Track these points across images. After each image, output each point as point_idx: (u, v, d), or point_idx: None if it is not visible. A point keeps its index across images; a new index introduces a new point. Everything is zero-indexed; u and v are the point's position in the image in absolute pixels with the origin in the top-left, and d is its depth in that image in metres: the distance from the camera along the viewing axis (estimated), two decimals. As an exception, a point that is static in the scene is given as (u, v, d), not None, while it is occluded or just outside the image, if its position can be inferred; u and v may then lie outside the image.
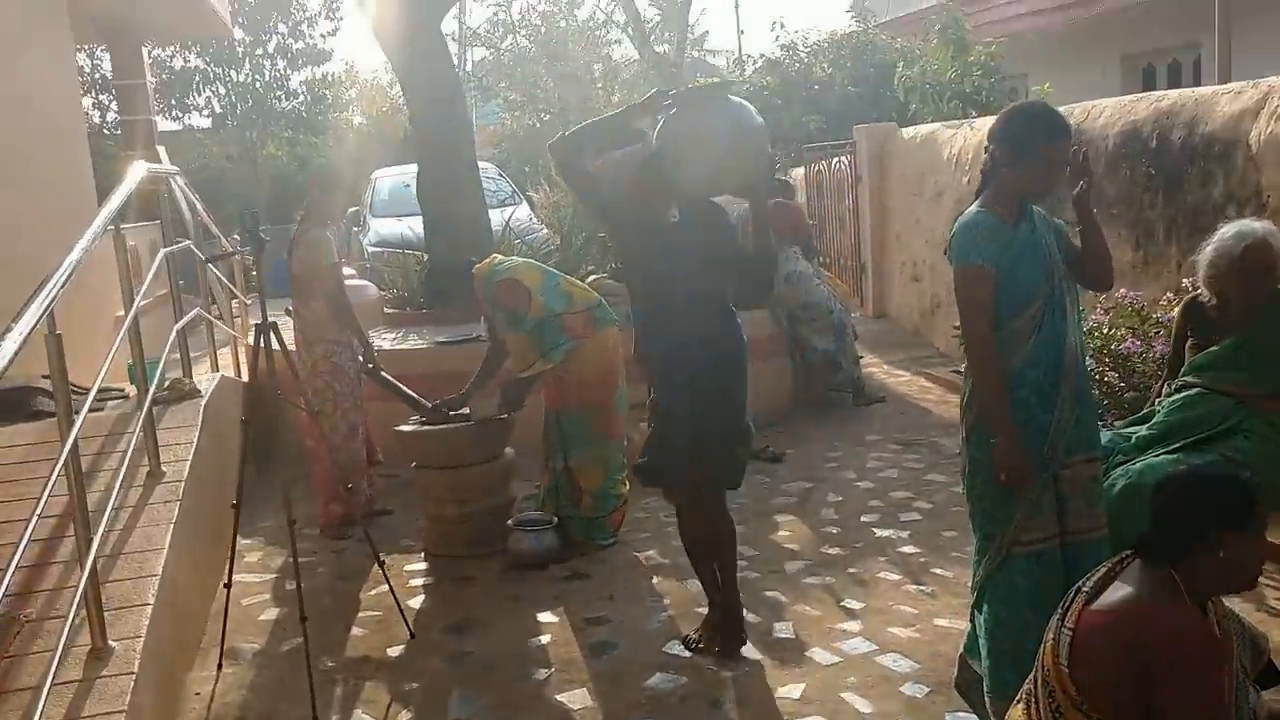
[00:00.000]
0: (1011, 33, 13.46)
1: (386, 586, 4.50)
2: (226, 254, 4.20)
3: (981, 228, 3.17)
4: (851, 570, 4.77)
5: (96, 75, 22.59)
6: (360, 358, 5.80)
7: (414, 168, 9.38)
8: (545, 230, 9.68)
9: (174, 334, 5.42)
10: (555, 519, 5.19)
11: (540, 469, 5.45)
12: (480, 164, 15.65)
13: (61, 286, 3.39)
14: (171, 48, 24.05)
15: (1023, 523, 3.16)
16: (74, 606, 3.15)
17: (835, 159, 11.25)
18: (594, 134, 4.13)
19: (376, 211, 13.20)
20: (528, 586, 4.86)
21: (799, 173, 13.04)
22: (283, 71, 24.86)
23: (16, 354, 2.78)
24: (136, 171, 5.01)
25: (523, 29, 25.72)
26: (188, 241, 5.85)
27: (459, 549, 5.29)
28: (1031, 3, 14.88)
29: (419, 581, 5.05)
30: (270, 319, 3.99)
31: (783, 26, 16.16)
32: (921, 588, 4.53)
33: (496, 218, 9.42)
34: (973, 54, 11.35)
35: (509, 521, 5.15)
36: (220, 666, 4.18)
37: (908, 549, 4.98)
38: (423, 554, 5.37)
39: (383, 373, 5.71)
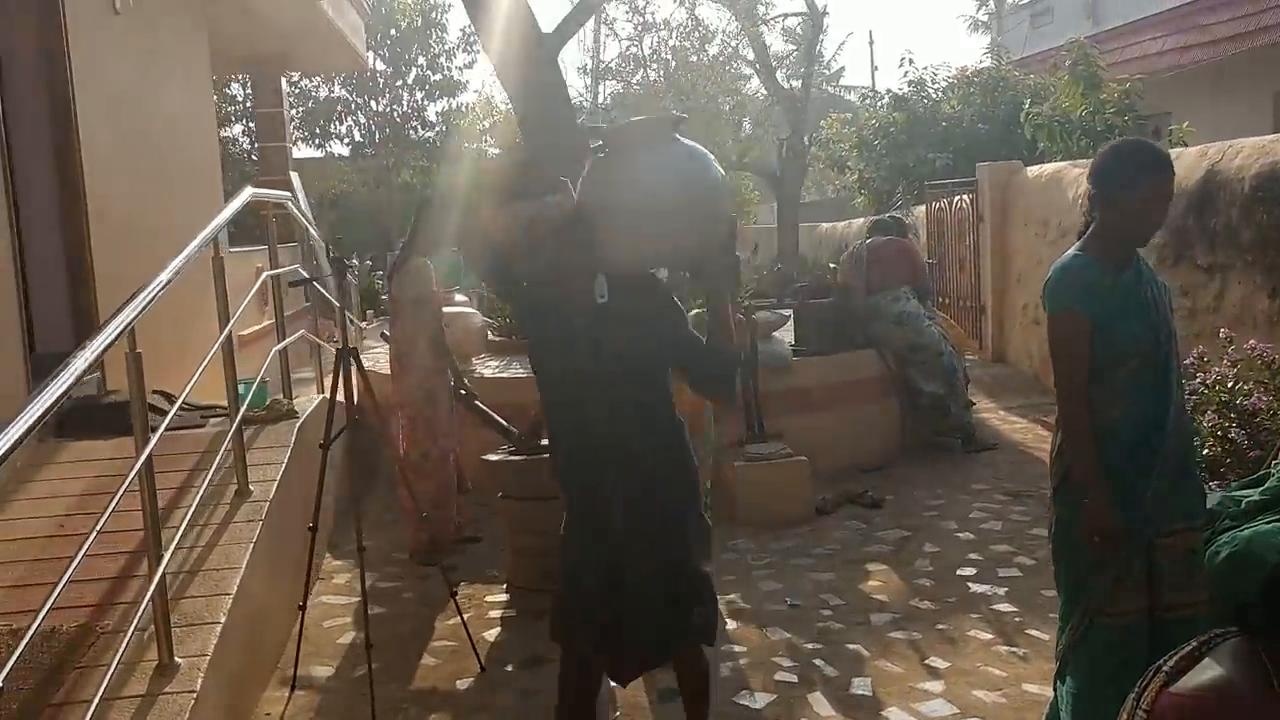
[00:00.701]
0: (1154, 70, 12.95)
1: (471, 613, 4.47)
2: (311, 279, 4.20)
3: (1078, 272, 2.98)
4: (941, 626, 4.55)
5: (247, 104, 23.61)
6: (453, 384, 5.83)
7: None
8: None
9: (272, 354, 5.52)
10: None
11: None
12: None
13: (145, 307, 3.47)
14: (317, 78, 25.05)
15: (1110, 592, 2.94)
16: (136, 621, 3.19)
17: (957, 197, 10.95)
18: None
19: (493, 240, 13.35)
20: (605, 624, 4.76)
21: (920, 211, 12.75)
22: (420, 102, 25.62)
23: (85, 371, 2.82)
24: (242, 196, 5.14)
25: (653, 64, 25.93)
26: (296, 265, 5.97)
27: (541, 582, 5.22)
28: (1179, 38, 14.32)
29: (497, 613, 5.01)
30: (351, 345, 4.03)
31: (911, 62, 15.86)
32: (1013, 649, 4.28)
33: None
34: (1105, 90, 10.92)
35: (590, 557, 5.06)
36: (293, 688, 4.21)
37: (1003, 606, 4.72)
38: (505, 585, 5.33)
39: (476, 400, 5.72)
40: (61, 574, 2.83)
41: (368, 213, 24.69)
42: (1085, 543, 2.94)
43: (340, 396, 4.19)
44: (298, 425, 5.50)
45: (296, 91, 25.65)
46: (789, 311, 7.58)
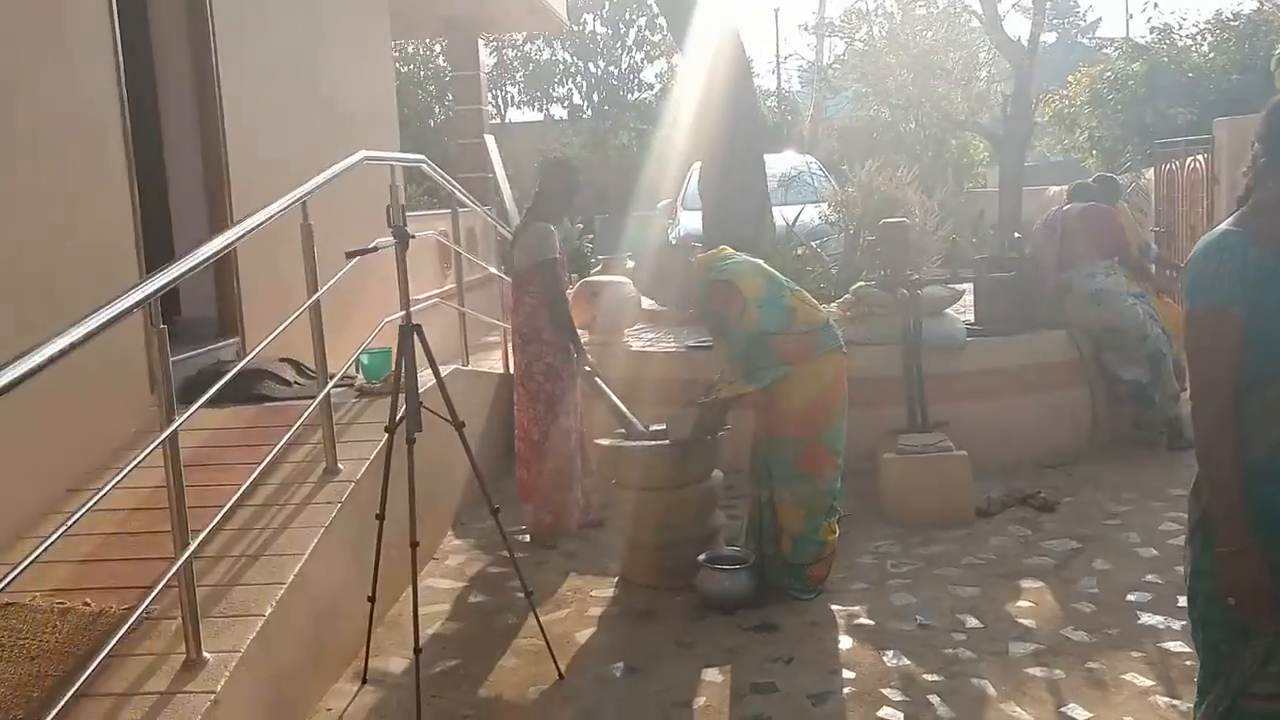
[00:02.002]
0: None
1: (572, 609, 4.17)
2: (373, 249, 3.92)
3: (1230, 253, 2.29)
4: (1092, 665, 3.86)
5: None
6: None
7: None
8: (833, 231, 8.98)
9: (383, 324, 5.32)
10: (752, 558, 4.61)
11: (747, 498, 4.90)
12: (808, 158, 15.17)
13: (187, 271, 3.28)
14: (539, 41, 25.30)
15: (1255, 667, 2.27)
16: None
17: (1190, 158, 9.70)
18: None
19: (688, 204, 12.97)
20: (707, 632, 4.33)
21: (1150, 173, 11.43)
22: (638, 63, 25.44)
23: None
24: (353, 158, 4.93)
25: (878, 18, 24.71)
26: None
27: (653, 578, 4.85)
28: None
29: (597, 610, 4.65)
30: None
31: (1156, 5, 14.32)
32: (1175, 702, 3.56)
33: (783, 219, 8.81)
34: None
35: (700, 557, 4.63)
36: (363, 682, 4.00)
37: (1174, 645, 3.97)
38: (617, 580, 4.97)
39: (597, 379, 5.37)
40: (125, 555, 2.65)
41: (584, 175, 24.79)
42: (1222, 603, 2.29)
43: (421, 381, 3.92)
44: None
45: (519, 55, 26.02)
46: (965, 286, 6.80)
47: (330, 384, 4.55)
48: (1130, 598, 4.42)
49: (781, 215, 8.73)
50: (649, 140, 25.42)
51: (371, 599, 3.98)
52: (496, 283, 8.97)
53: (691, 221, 12.10)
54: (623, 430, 5.07)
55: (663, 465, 4.78)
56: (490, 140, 13.12)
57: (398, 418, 3.82)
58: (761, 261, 4.83)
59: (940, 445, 5.57)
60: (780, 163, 12.80)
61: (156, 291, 3.13)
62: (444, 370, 6.10)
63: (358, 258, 4.10)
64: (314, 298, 4.42)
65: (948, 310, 6.50)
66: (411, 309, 5.84)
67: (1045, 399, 6.48)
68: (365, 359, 5.50)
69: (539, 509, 5.57)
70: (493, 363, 8.15)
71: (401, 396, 3.82)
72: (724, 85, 8.23)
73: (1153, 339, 6.50)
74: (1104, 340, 6.54)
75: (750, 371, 4.46)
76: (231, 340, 6.05)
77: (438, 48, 22.36)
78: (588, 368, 5.45)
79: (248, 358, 4.10)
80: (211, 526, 3.50)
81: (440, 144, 14.89)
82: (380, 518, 3.90)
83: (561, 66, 25.89)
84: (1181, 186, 9.91)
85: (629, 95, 25.43)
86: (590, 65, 25.59)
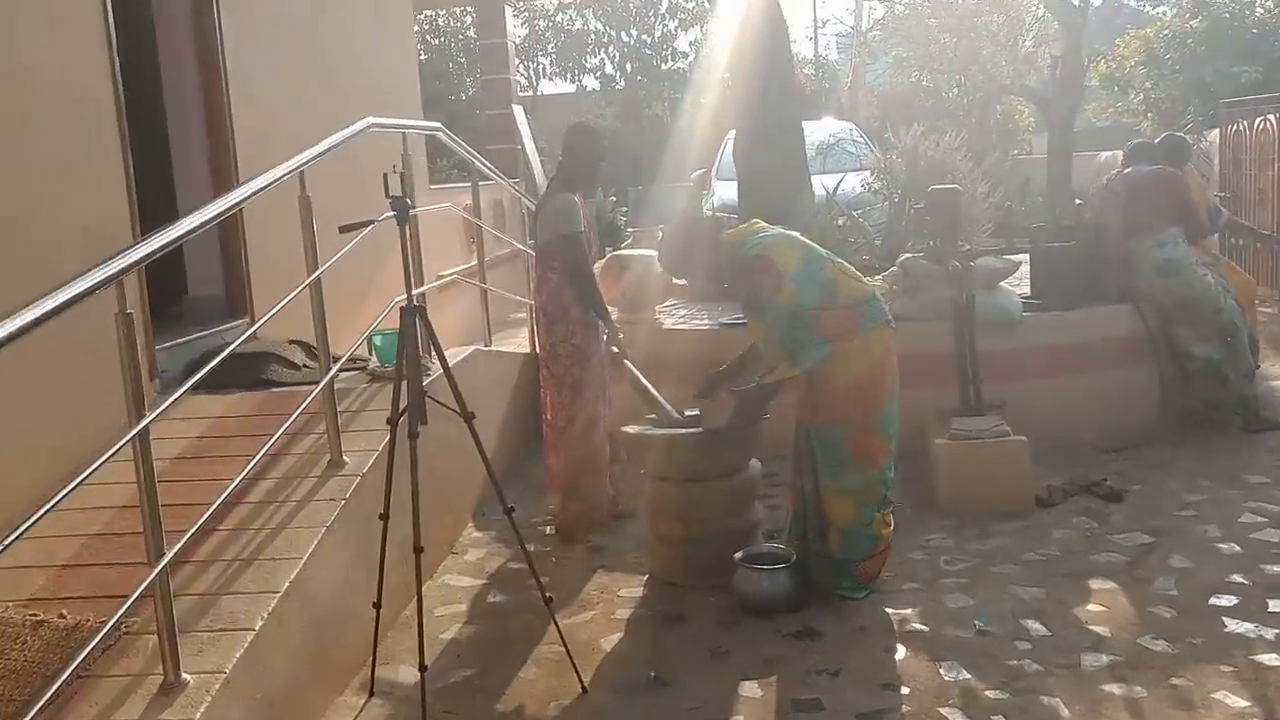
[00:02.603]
0: None
1: (598, 611, 3.91)
2: (364, 223, 3.54)
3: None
4: (1176, 681, 3.45)
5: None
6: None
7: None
8: (877, 200, 8.52)
9: (392, 305, 4.96)
10: (794, 555, 4.23)
11: (789, 489, 4.51)
12: (848, 124, 14.64)
13: (158, 251, 2.94)
14: (570, 10, 24.83)
15: None
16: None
17: (1259, 118, 9.12)
18: None
19: (722, 174, 12.51)
20: (743, 639, 3.96)
21: (1214, 135, 10.83)
22: (672, 31, 24.89)
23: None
24: (358, 125, 4.57)
25: (921, -21, 23.97)
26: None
27: (684, 576, 4.48)
28: None
29: (625, 612, 4.29)
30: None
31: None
32: (1275, 727, 3.15)
33: (823, 187, 8.37)
34: None
35: (736, 555, 4.25)
36: (370, 694, 3.67)
37: (1269, 658, 3.55)
38: (646, 578, 4.61)
39: (627, 361, 4.99)
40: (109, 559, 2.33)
41: (617, 146, 24.31)
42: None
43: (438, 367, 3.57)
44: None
45: (551, 26, 25.56)
46: (1022, 257, 6.33)
47: (335, 368, 4.21)
48: (1214, 601, 3.99)
49: (821, 184, 8.28)
50: (683, 110, 25.01)
51: (377, 605, 3.64)
52: (524, 258, 8.64)
53: (727, 192, 11.64)
54: (653, 416, 4.69)
55: (694, 454, 4.41)
56: (519, 110, 12.73)
57: (400, 409, 3.46)
58: (798, 234, 4.42)
59: (996, 430, 5.15)
60: (819, 130, 12.33)
61: (122, 271, 2.79)
62: (464, 351, 5.83)
63: (362, 232, 3.74)
64: (314, 275, 4.08)
65: (1002, 283, 6.05)
66: (429, 286, 5.54)
67: (1108, 377, 6.03)
68: (379, 340, 5.16)
69: (567, 499, 5.22)
70: (520, 341, 7.81)
71: (406, 386, 3.45)
72: (759, 47, 7.80)
73: (1226, 312, 6.02)
74: (1174, 314, 6.06)
75: (791, 352, 4.06)
76: (240, 321, 5.72)
77: (469, 19, 21.95)
78: (615, 349, 5.08)
79: (237, 342, 3.76)
80: (194, 530, 3.18)
81: (473, 117, 14.51)
82: (384, 517, 3.55)
83: (594, 36, 25.39)
84: (1250, 148, 9.33)
85: (662, 64, 24.88)
86: (623, 34, 25.07)
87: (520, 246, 7.99)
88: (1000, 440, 5.08)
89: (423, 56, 21.29)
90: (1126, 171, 6.33)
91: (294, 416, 4.06)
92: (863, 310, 4.15)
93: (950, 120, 18.81)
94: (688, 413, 4.59)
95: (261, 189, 3.75)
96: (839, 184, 8.50)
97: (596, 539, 5.16)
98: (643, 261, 6.75)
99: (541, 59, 25.92)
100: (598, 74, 25.81)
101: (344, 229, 3.49)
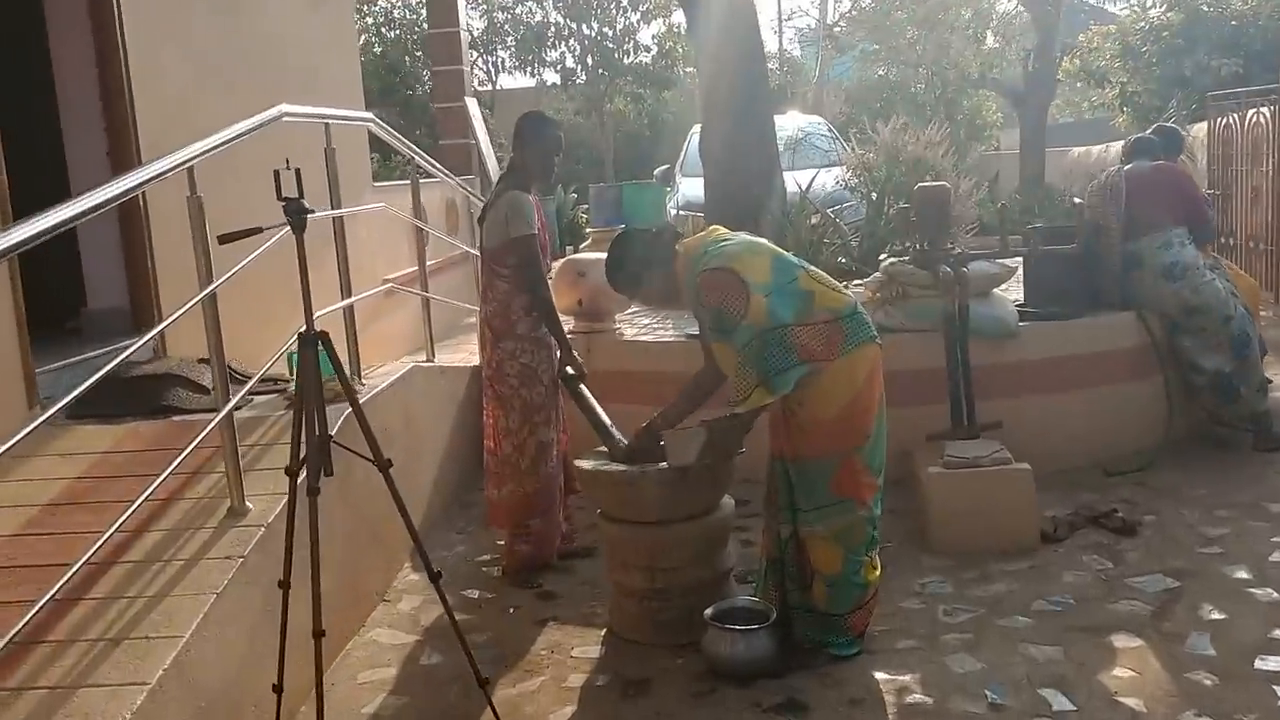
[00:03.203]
0: None
1: (547, 677, 3.37)
2: (247, 232, 2.90)
3: None
4: (1230, 770, 2.91)
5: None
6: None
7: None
8: (853, 198, 7.97)
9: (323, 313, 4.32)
10: (773, 612, 3.65)
11: (764, 528, 3.91)
12: (815, 118, 14.12)
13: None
14: (530, 2, 24.19)
15: None
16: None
17: (1252, 110, 8.66)
18: None
19: (688, 170, 11.94)
20: (716, 711, 3.38)
21: (1199, 129, 10.38)
22: (634, 24, 24.30)
23: None
24: (269, 113, 3.94)
25: (887, -27, 23.51)
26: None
27: (647, 634, 3.89)
28: None
29: (579, 679, 3.69)
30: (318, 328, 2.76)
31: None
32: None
33: (795, 183, 7.80)
34: None
35: (707, 612, 3.66)
36: (270, 792, 3.05)
37: (1335, 742, 3.02)
38: (604, 631, 4.02)
39: (582, 386, 4.40)
40: None
41: (578, 142, 23.67)
42: None
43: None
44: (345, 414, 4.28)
45: (509, 18, 24.94)
46: (1017, 261, 5.79)
47: (238, 396, 3.59)
48: (1259, 665, 3.44)
49: (794, 180, 7.71)
50: (646, 104, 24.39)
51: (278, 689, 3.02)
52: (475, 260, 8.03)
53: (692, 189, 11.06)
54: (604, 448, 4.10)
55: (659, 495, 3.81)
56: (473, 104, 12.07)
57: (300, 458, 2.84)
58: (764, 240, 3.84)
59: (996, 456, 4.60)
60: (787, 124, 11.79)
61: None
62: (400, 368, 5.20)
63: (262, 244, 3.11)
64: (210, 289, 3.44)
65: (995, 290, 5.51)
66: (360, 297, 4.91)
67: (1111, 393, 5.51)
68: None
69: (514, 538, 4.63)
70: (473, 349, 7.15)
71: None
72: (728, 39, 7.23)
73: (1237, 320, 5.51)
74: (1181, 323, 5.56)
75: (768, 377, 3.47)
76: (149, 337, 5.04)
77: (425, 10, 21.24)
78: (570, 369, 4.49)
79: (112, 364, 3.11)
80: (44, 602, 2.55)
81: (430, 112, 13.85)
82: (285, 585, 2.94)
83: (554, 29, 24.75)
84: (1241, 144, 8.87)
85: (625, 58, 24.29)
86: (584, 27, 24.44)
87: (470, 250, 7.37)
88: (1002, 470, 4.53)
89: (377, 50, 20.63)
90: (1128, 167, 5.80)
91: (185, 453, 3.43)
92: (845, 325, 3.58)
93: (919, 115, 18.36)
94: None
95: (140, 185, 3.14)
96: (811, 181, 7.93)
97: (549, 581, 4.57)
98: (602, 265, 6.13)
99: (501, 52, 25.28)
100: (558, 68, 25.17)
101: (224, 239, 2.86)
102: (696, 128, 13.04)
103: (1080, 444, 5.40)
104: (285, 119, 4.06)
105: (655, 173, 12.24)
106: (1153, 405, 5.63)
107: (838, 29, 24.08)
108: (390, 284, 5.85)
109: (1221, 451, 5.60)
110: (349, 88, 7.92)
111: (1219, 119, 9.40)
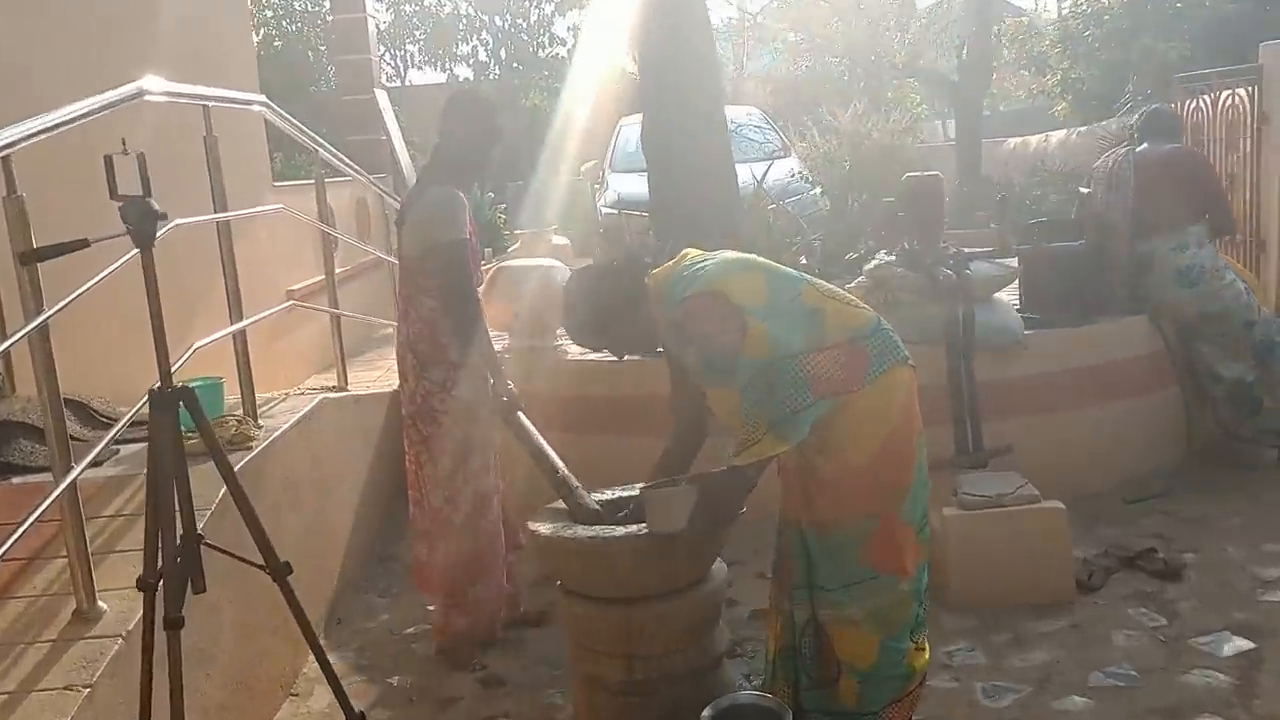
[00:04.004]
0: None
1: None
2: (74, 246, 2.05)
3: None
4: None
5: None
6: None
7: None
8: (814, 189, 7.25)
9: (211, 339, 3.43)
10: (788, 712, 2.88)
11: (772, 608, 3.13)
12: (746, 108, 13.43)
13: None
14: (438, -2, 23.28)
15: None
16: None
17: (1225, 92, 8.14)
18: None
19: (617, 166, 11.18)
20: None
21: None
22: (548, 15, 23.49)
23: None
24: (122, 90, 3.05)
25: (809, -39, 23.02)
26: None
27: (624, 737, 3.10)
28: None
29: (542, 809, 2.90)
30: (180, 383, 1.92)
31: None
32: None
33: (751, 174, 7.07)
34: None
35: (706, 713, 2.88)
36: None
37: None
38: (568, 733, 3.24)
39: (522, 417, 3.59)
40: None
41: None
42: None
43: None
44: (239, 466, 3.39)
45: (418, 10, 23.99)
46: (1014, 261, 5.11)
47: (92, 454, 2.72)
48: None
49: (750, 171, 6.99)
50: (564, 98, 23.56)
51: None
52: (389, 267, 7.15)
53: (626, 185, 10.25)
54: (560, 502, 3.30)
55: (639, 567, 3.02)
56: (383, 96, 11.15)
57: (158, 569, 2.00)
58: (752, 255, 3.06)
59: (1021, 493, 3.90)
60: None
61: None
62: (308, 400, 4.35)
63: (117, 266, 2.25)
64: (40, 320, 2.55)
65: (996, 294, 4.83)
66: (250, 321, 4.02)
67: (1124, 408, 4.88)
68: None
69: (449, 608, 3.81)
70: (390, 365, 6.24)
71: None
72: (668, 29, 6.46)
73: (1261, 324, 4.92)
74: (1199, 329, 4.95)
75: (776, 421, 2.69)
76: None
77: (328, 3, 20.13)
78: (506, 399, 3.67)
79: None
80: None
81: (337, 107, 12.86)
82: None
83: (465, 22, 23.82)
84: (1214, 128, 8.36)
85: (540, 51, 23.44)
86: (496, 19, 23.57)
87: (384, 256, 6.51)
88: (1030, 509, 3.84)
89: (277, 44, 19.45)
90: (1138, 150, 5.14)
91: (20, 531, 2.54)
92: (868, 346, 2.81)
93: (844, 107, 17.85)
94: (615, 492, 3.25)
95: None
96: (766, 171, 7.20)
97: (494, 660, 3.77)
98: (539, 274, 5.33)
99: (410, 46, 24.29)
100: (470, 62, 24.26)
101: (26, 258, 1.99)
102: (624, 120, 12.29)
103: (1094, 467, 4.76)
104: (147, 97, 3.18)
105: (581, 169, 11.43)
106: (1170, 420, 5.01)
107: (758, 19, 23.61)
108: (294, 302, 4.95)
109: (1242, 470, 5.01)
110: (244, 70, 6.96)
111: (1189, 101, 8.89)
